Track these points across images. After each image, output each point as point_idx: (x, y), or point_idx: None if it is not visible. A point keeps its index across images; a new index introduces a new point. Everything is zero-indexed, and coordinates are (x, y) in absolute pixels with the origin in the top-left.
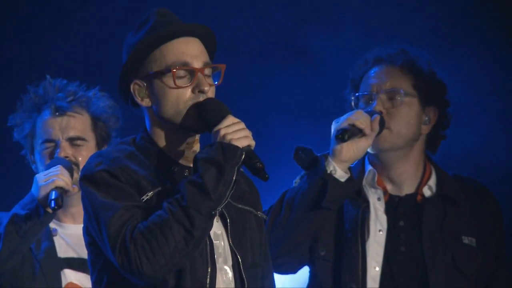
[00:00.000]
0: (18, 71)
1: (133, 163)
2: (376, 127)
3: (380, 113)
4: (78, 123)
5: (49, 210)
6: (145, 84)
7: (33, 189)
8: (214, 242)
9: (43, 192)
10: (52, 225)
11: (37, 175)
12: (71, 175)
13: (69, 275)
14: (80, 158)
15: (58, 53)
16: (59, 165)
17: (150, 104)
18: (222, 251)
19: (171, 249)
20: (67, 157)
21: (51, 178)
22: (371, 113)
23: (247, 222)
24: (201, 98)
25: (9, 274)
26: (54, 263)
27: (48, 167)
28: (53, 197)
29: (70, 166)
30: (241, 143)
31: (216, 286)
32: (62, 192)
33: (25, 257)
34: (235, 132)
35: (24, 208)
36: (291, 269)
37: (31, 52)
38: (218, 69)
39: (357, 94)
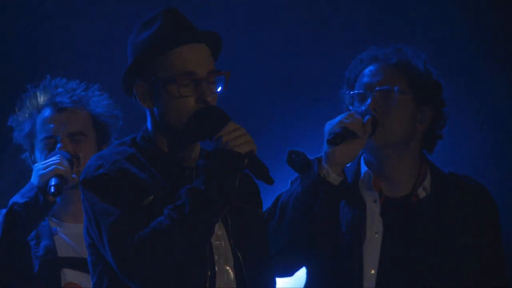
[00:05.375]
0: (18, 71)
1: (134, 166)
2: (369, 128)
3: (373, 114)
4: (78, 119)
5: (49, 198)
6: (148, 87)
7: (32, 178)
8: (214, 243)
9: (42, 180)
10: (53, 224)
11: (36, 164)
12: (71, 167)
13: (68, 275)
14: (80, 154)
15: (59, 52)
16: (58, 155)
17: (152, 106)
18: (223, 251)
19: (172, 257)
20: (67, 151)
21: (51, 166)
22: (363, 114)
23: (247, 220)
24: None
25: (7, 269)
26: (54, 262)
27: (48, 158)
28: (52, 183)
29: (70, 158)
30: (243, 149)
31: None
32: (62, 180)
33: (25, 254)
34: (237, 138)
35: (24, 197)
36: (287, 272)
37: (31, 52)
38: (222, 75)
39: (351, 92)
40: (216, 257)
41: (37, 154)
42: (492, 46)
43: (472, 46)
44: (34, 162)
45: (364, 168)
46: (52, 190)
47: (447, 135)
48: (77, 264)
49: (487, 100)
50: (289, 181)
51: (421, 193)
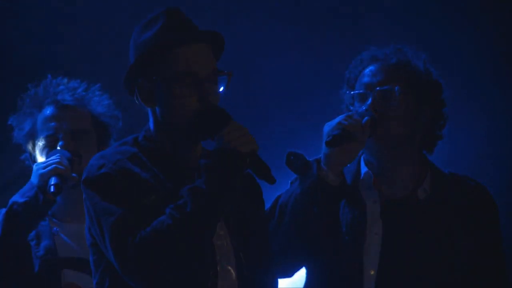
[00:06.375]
0: (19, 71)
1: (136, 166)
2: (368, 130)
3: (372, 114)
4: (80, 117)
5: (49, 197)
6: (150, 86)
7: (32, 177)
8: (216, 242)
9: (42, 179)
10: (53, 225)
11: (36, 163)
12: (72, 166)
13: (68, 275)
14: (82, 153)
15: (59, 52)
16: (58, 154)
17: (154, 106)
18: (224, 251)
19: (173, 256)
20: (68, 150)
21: (51, 165)
22: (362, 115)
23: (249, 220)
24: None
25: (7, 269)
26: (54, 262)
27: (48, 157)
28: (52, 182)
29: (70, 157)
30: (245, 149)
31: None
32: (61, 179)
33: (25, 254)
34: (238, 137)
35: (23, 196)
36: (287, 273)
37: (31, 52)
38: (224, 75)
39: (352, 92)
40: (218, 257)
41: (38, 152)
42: (492, 46)
43: (472, 46)
44: (34, 161)
45: (364, 169)
46: (52, 189)
47: (447, 135)
48: (78, 264)
49: (487, 100)
50: (289, 181)
51: (421, 193)
